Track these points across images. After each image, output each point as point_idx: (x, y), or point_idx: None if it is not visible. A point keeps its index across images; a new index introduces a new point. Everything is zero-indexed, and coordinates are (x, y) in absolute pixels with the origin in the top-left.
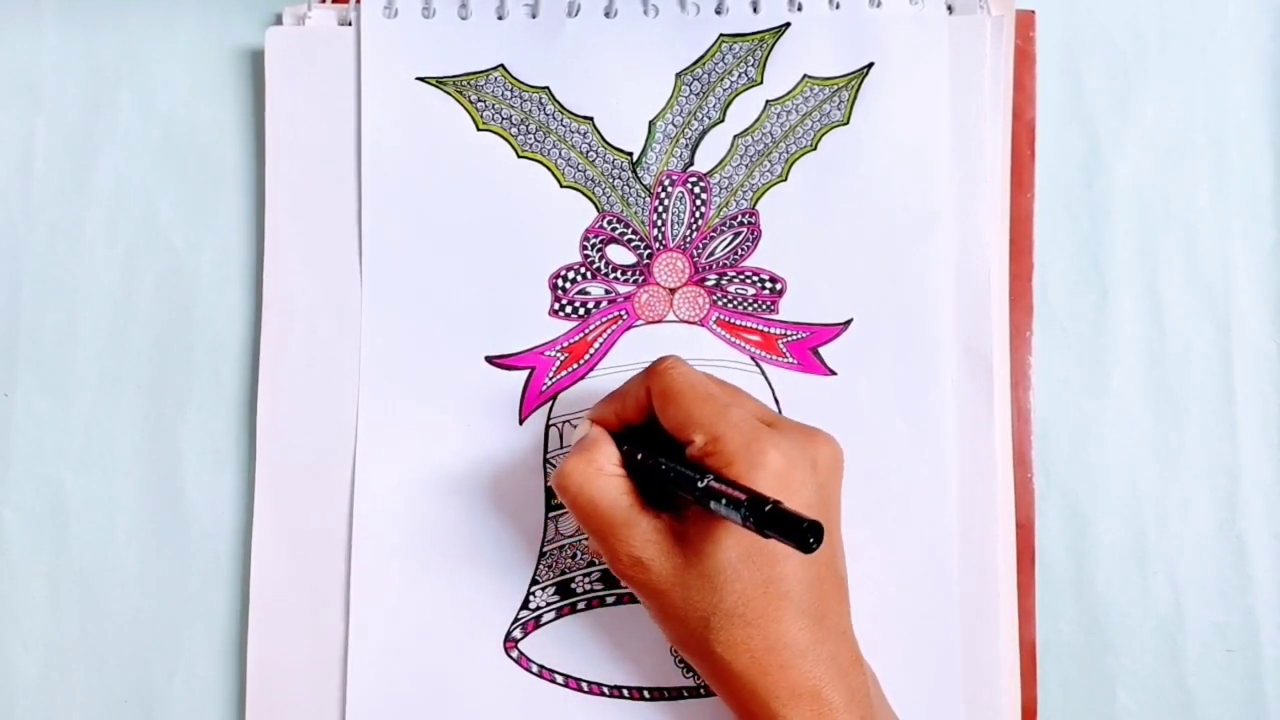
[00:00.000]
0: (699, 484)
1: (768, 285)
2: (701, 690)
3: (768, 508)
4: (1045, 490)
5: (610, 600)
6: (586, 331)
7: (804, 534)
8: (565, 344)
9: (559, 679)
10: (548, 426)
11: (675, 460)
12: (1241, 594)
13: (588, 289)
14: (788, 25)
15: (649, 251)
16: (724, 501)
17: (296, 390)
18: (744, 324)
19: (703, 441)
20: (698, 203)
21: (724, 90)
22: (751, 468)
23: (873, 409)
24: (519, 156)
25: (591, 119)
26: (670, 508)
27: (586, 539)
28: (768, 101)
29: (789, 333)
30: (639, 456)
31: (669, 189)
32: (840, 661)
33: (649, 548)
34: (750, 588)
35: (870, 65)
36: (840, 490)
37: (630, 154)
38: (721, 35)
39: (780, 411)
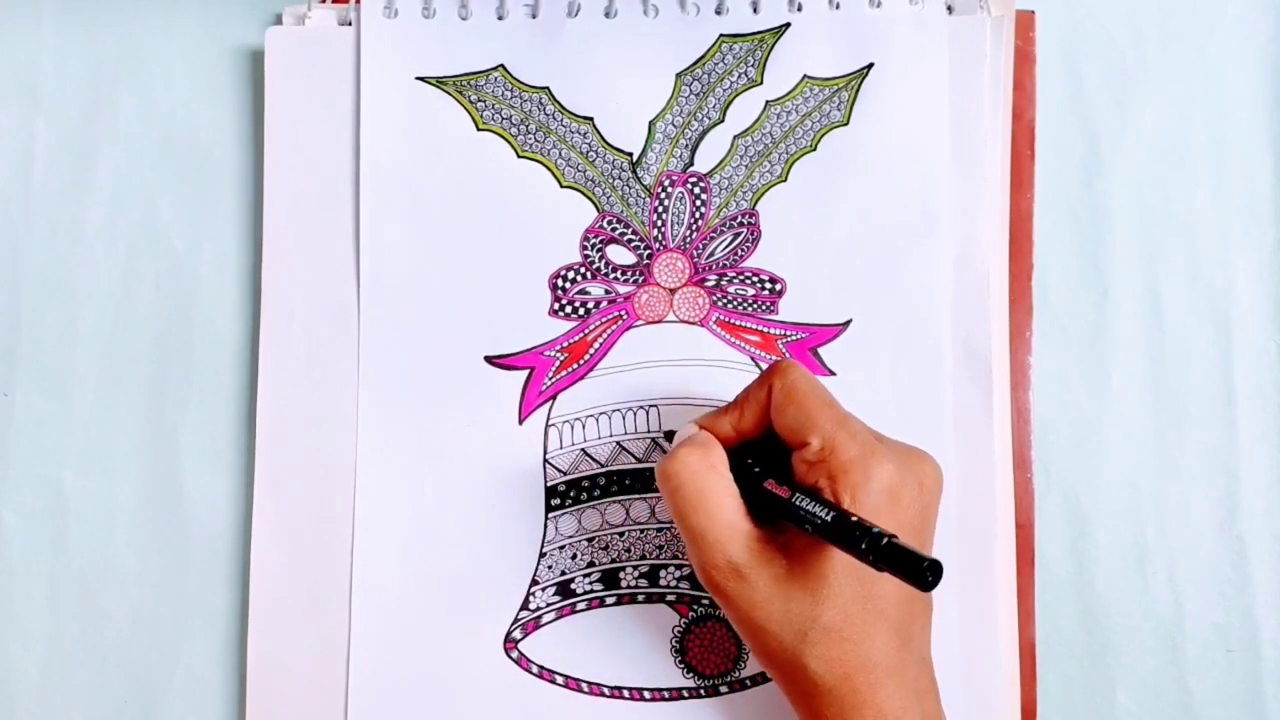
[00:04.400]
0: (824, 516)
1: (767, 285)
2: (701, 691)
3: (885, 541)
4: (1045, 490)
5: (610, 601)
6: (586, 331)
7: (923, 572)
8: (565, 344)
9: (559, 679)
10: (547, 426)
11: (788, 481)
12: (1241, 594)
13: (588, 289)
14: (788, 25)
15: (649, 252)
16: (844, 533)
17: (296, 390)
18: (744, 324)
19: (819, 445)
20: (698, 203)
21: (724, 90)
22: (866, 479)
23: (873, 409)
24: (519, 156)
25: (591, 119)
26: (767, 521)
27: (679, 538)
28: (768, 102)
29: (789, 333)
30: (755, 469)
31: (669, 189)
32: (919, 687)
33: (749, 555)
34: (851, 603)
35: (870, 65)
36: (936, 513)
37: (630, 154)
38: (721, 35)
39: None
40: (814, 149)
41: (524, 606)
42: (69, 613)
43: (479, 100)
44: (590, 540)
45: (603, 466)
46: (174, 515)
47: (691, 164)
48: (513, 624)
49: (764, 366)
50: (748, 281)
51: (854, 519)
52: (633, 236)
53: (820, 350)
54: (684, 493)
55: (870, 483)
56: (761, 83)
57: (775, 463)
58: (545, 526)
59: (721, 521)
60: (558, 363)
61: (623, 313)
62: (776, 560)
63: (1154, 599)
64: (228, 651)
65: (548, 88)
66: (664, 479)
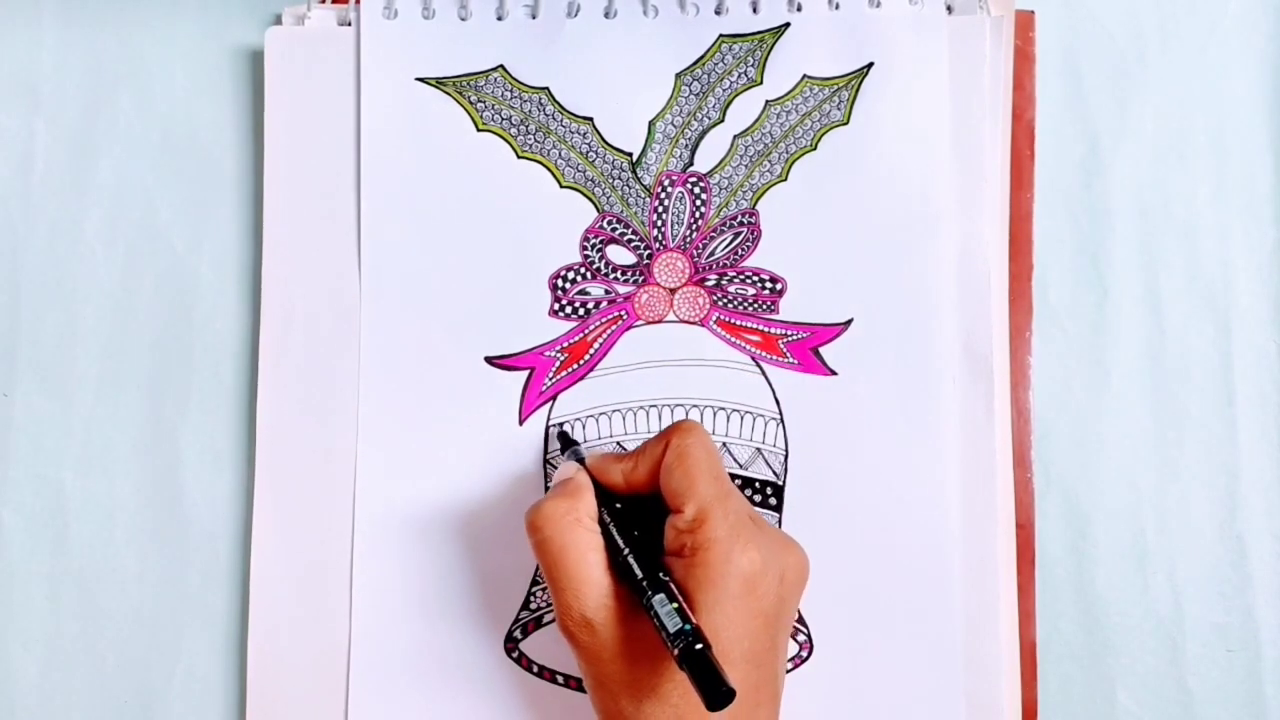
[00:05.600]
0: (651, 595)
1: (768, 285)
2: None
3: (697, 646)
4: (1045, 490)
5: None
6: (586, 332)
7: (718, 693)
8: (565, 344)
9: (559, 679)
10: (548, 427)
11: (644, 549)
12: (1241, 594)
13: (588, 289)
14: (787, 25)
15: (649, 252)
16: (665, 613)
17: (296, 390)
18: (744, 324)
19: (692, 515)
20: (698, 203)
21: (724, 90)
22: (726, 561)
23: (873, 409)
24: (519, 157)
25: (591, 119)
26: (626, 579)
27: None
28: (767, 101)
29: (789, 333)
30: (610, 527)
31: (669, 189)
32: None
33: (602, 612)
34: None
35: (870, 65)
36: (797, 605)
37: (630, 154)
38: (721, 35)
39: (782, 413)
40: (814, 148)
41: (524, 606)
42: (69, 613)
43: (479, 101)
44: None
45: None
46: (174, 515)
47: (691, 164)
48: (513, 624)
49: (765, 367)
50: (748, 281)
51: (676, 605)
52: (633, 236)
53: (821, 350)
54: (547, 546)
55: (729, 565)
56: (761, 82)
57: (656, 522)
58: None
59: (580, 576)
60: (558, 363)
61: (623, 313)
62: (630, 621)
63: (1154, 599)
64: (228, 651)
65: (547, 88)
66: (529, 530)
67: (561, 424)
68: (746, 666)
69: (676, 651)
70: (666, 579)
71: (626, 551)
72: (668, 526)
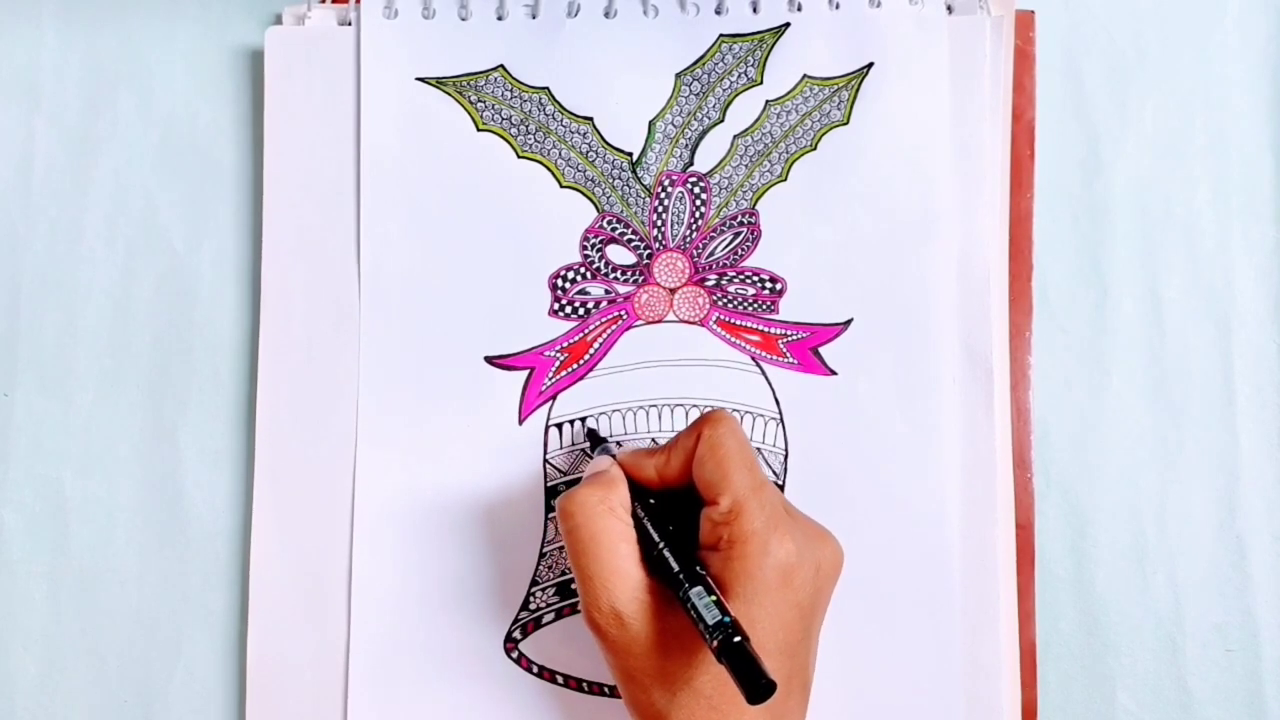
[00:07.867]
0: (688, 588)
1: (768, 285)
2: None
3: (736, 639)
4: (1045, 490)
5: None
6: (586, 331)
7: (758, 686)
8: (565, 344)
9: (559, 679)
10: (548, 427)
11: (679, 543)
12: (1241, 594)
13: (587, 289)
14: (787, 25)
15: (649, 251)
16: (703, 606)
17: (296, 390)
18: (744, 324)
19: (727, 507)
20: (698, 203)
21: (724, 90)
22: (763, 553)
23: (873, 409)
24: (519, 157)
25: (591, 119)
26: (659, 572)
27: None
28: (768, 101)
29: (789, 333)
30: (645, 520)
31: (669, 189)
32: None
33: (633, 604)
34: (725, 671)
35: (870, 65)
36: (830, 595)
37: (630, 154)
38: (721, 35)
39: (782, 413)
40: (814, 148)
41: (524, 606)
42: (69, 613)
43: (479, 100)
44: None
45: None
46: (174, 515)
47: (691, 164)
48: (513, 624)
49: (765, 367)
50: (748, 281)
51: (714, 598)
52: (633, 236)
53: (821, 350)
54: (578, 534)
55: (767, 558)
56: (761, 82)
57: (690, 517)
58: (545, 527)
59: (611, 567)
60: (558, 363)
61: (623, 313)
62: (661, 614)
63: (1154, 599)
64: (228, 651)
65: (548, 88)
66: (561, 517)
67: (584, 419)
68: (781, 657)
69: (715, 644)
70: (703, 572)
71: (661, 545)
72: (703, 519)
